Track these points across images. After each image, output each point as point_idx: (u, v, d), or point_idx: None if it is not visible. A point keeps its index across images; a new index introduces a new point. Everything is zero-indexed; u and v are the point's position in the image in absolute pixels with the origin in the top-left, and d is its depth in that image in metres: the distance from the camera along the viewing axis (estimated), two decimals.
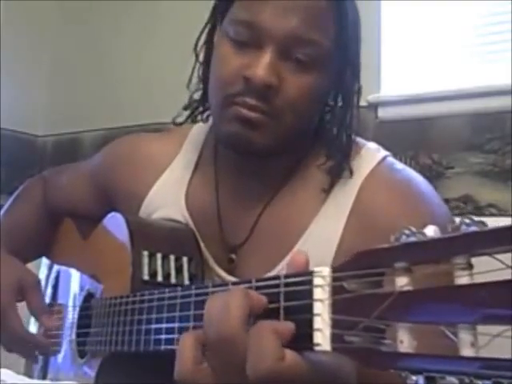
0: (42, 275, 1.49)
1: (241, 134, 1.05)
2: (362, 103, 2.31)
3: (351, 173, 1.10)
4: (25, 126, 3.36)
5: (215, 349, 0.70)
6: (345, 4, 1.08)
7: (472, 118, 2.24)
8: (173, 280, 1.08)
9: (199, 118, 1.23)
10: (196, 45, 1.19)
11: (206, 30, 1.17)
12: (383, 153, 1.14)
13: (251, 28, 1.04)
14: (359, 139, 1.17)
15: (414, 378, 0.51)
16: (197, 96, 1.22)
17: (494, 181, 2.16)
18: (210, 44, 1.16)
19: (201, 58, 1.20)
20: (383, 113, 2.44)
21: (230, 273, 1.14)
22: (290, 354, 0.65)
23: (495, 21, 2.33)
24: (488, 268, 0.48)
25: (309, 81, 1.05)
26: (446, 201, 2.10)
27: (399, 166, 1.14)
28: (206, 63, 1.16)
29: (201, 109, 1.22)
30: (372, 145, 1.16)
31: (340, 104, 1.13)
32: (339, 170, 1.10)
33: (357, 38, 1.11)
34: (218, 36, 1.12)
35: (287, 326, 0.66)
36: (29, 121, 3.38)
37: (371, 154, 1.13)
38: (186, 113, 1.24)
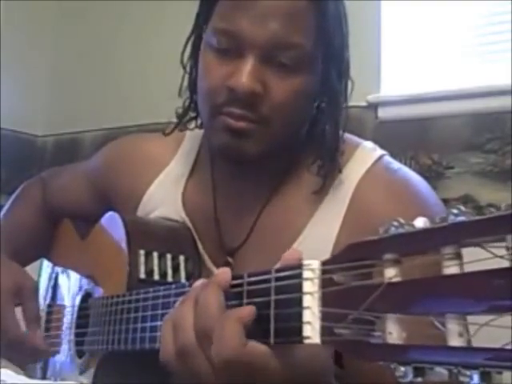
0: (45, 275, 1.48)
1: (230, 145, 1.04)
2: (362, 103, 2.34)
3: (340, 171, 1.09)
4: (25, 126, 3.36)
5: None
6: (325, 2, 1.06)
7: (472, 118, 2.24)
8: (169, 279, 1.08)
9: (192, 125, 1.23)
10: (182, 56, 1.18)
11: (192, 40, 1.16)
12: (379, 152, 1.13)
13: (231, 36, 1.03)
14: (355, 138, 1.16)
15: (402, 369, 0.51)
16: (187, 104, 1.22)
17: (494, 181, 2.16)
18: (196, 54, 1.15)
19: (188, 68, 1.18)
20: (383, 113, 2.44)
21: None
22: (252, 342, 0.68)
23: (495, 21, 2.33)
24: (478, 258, 0.48)
25: (294, 84, 1.03)
26: (446, 201, 2.10)
27: (395, 165, 1.13)
28: (193, 72, 1.15)
29: (191, 115, 1.21)
30: (368, 144, 1.15)
31: (327, 104, 1.11)
32: (328, 170, 1.09)
33: (341, 36, 1.09)
34: (202, 46, 1.11)
35: (247, 310, 0.70)
36: (29, 121, 3.38)
37: (367, 154, 1.12)
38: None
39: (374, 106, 2.44)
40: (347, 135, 1.15)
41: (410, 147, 2.30)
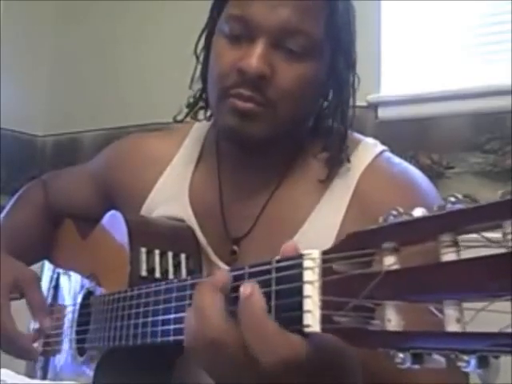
0: (46, 277, 1.49)
1: (237, 126, 1.07)
2: (362, 103, 2.35)
3: (349, 161, 1.12)
4: (25, 126, 3.36)
5: (206, 353, 0.71)
6: None
7: (472, 118, 2.24)
8: (171, 276, 1.08)
9: (201, 115, 1.25)
10: (196, 47, 1.22)
11: (206, 33, 1.20)
12: (380, 147, 1.16)
13: (243, 22, 1.06)
14: (357, 134, 1.19)
15: (401, 355, 0.51)
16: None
17: (494, 181, 2.16)
18: (208, 45, 1.18)
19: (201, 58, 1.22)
20: (383, 113, 2.45)
21: (232, 265, 1.15)
22: (294, 337, 0.65)
23: (495, 21, 2.34)
24: (475, 244, 0.48)
25: (302, 70, 1.06)
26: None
27: (396, 159, 1.16)
28: (206, 63, 1.18)
29: (202, 104, 1.24)
30: (370, 140, 1.18)
31: (334, 94, 1.15)
32: (336, 160, 1.12)
33: (349, 27, 1.13)
34: (215, 35, 1.14)
35: (262, 299, 0.67)
36: (29, 121, 3.38)
37: (369, 149, 1.15)
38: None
39: (373, 106, 2.44)
40: (350, 131, 1.17)
41: (410, 147, 2.30)
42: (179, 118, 1.25)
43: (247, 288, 0.68)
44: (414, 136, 2.34)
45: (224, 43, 1.09)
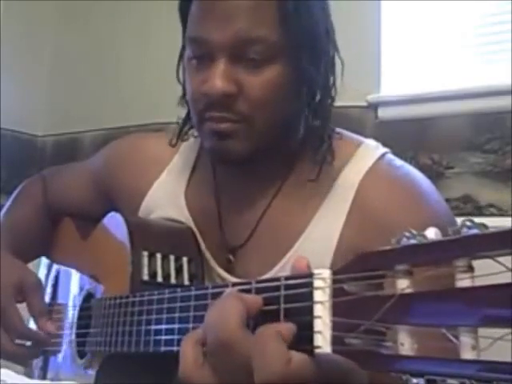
0: (42, 274, 1.48)
1: (217, 147, 1.07)
2: (362, 103, 2.35)
3: (333, 158, 1.09)
4: (25, 126, 3.35)
5: (216, 353, 0.71)
6: None
7: (472, 118, 2.24)
8: (172, 280, 1.08)
9: (194, 134, 1.24)
10: (177, 71, 1.19)
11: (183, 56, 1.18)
12: (382, 150, 1.13)
13: (200, 43, 1.05)
14: (357, 136, 1.16)
15: (414, 380, 0.51)
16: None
17: (494, 181, 2.16)
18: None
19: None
20: (383, 113, 2.44)
21: (231, 272, 1.14)
22: (296, 356, 0.65)
23: (495, 21, 2.34)
24: (490, 271, 0.48)
25: (267, 77, 1.04)
26: (446, 201, 2.09)
27: (398, 162, 1.13)
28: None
29: (191, 124, 1.22)
30: (371, 142, 1.15)
31: (307, 91, 1.11)
32: (319, 158, 1.09)
33: (311, 20, 1.08)
34: (186, 60, 1.13)
35: (289, 327, 0.66)
36: (29, 121, 3.37)
37: (369, 151, 1.12)
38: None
39: (374, 106, 2.44)
40: (349, 133, 1.17)
41: (410, 147, 2.30)
42: (173, 142, 1.24)
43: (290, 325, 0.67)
44: (413, 136, 2.34)
45: (191, 67, 1.09)
